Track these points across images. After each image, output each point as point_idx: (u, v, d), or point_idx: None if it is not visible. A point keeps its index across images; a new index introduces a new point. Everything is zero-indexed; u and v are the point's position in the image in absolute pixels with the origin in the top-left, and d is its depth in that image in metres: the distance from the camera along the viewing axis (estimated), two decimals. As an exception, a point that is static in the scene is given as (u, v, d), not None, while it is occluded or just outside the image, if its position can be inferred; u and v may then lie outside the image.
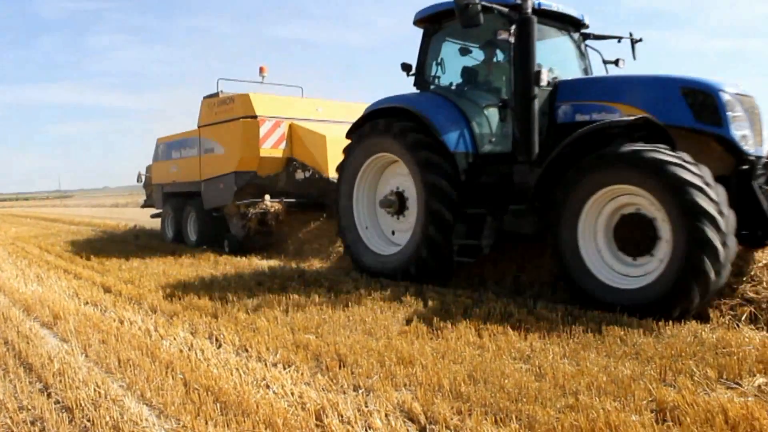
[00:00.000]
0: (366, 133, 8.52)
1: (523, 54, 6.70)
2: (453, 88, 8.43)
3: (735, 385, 3.94)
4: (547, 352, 4.71)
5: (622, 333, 5.05)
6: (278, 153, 12.14)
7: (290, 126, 12.24)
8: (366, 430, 3.57)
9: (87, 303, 7.55)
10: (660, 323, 5.32)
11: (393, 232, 8.69)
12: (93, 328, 6.12)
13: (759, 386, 3.88)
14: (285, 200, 11.82)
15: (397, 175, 8.46)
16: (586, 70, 8.32)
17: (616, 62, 8.41)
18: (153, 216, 16.41)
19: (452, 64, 8.54)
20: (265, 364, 4.85)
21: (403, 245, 8.13)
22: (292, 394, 4.15)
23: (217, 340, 5.65)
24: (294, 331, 5.64)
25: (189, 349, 5.33)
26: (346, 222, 8.92)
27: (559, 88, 7.32)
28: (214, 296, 7.38)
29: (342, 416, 3.73)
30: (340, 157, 9.18)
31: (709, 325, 5.33)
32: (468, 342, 5.10)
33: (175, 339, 5.70)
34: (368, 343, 5.16)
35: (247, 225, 11.81)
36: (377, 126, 8.31)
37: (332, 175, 10.50)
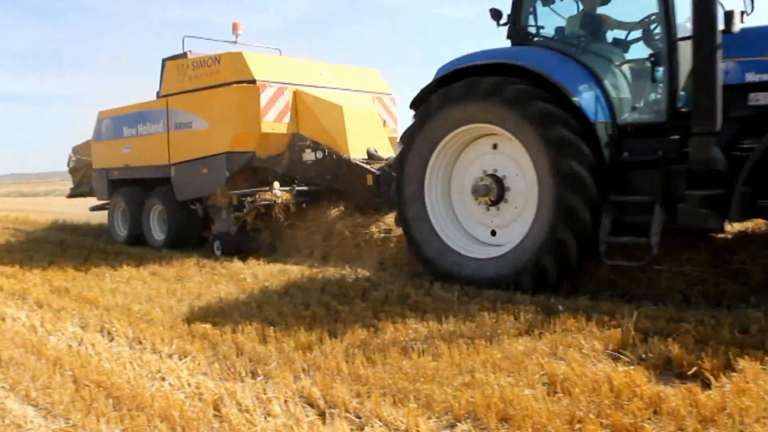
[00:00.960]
0: (448, 99, 6.55)
1: None
2: (566, 40, 6.66)
3: (619, 355, 4.16)
4: (443, 332, 4.81)
5: (516, 311, 5.20)
6: (282, 128, 9.62)
7: (295, 94, 9.76)
8: (265, 417, 3.54)
9: (-36, 300, 7.10)
10: (551, 300, 5.53)
11: (463, 225, 6.93)
12: (-29, 327, 5.76)
13: (640, 355, 4.10)
14: (297, 188, 9.33)
15: (488, 154, 6.67)
16: None
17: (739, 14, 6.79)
18: (93, 209, 13.11)
19: (558, 10, 6.84)
20: (160, 356, 4.72)
21: (511, 247, 6.28)
22: (189, 385, 4.06)
23: (109, 333, 5.46)
24: (190, 321, 5.51)
25: (79, 344, 5.13)
26: (413, 216, 6.91)
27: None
28: (105, 288, 7.10)
29: (240, 405, 3.68)
30: (360, 133, 7.69)
31: (597, 300, 5.56)
32: (365, 324, 5.13)
33: (63, 334, 5.48)
34: (266, 330, 5.11)
35: (243, 219, 9.36)
36: (474, 89, 6.32)
37: (353, 155, 9.12)
